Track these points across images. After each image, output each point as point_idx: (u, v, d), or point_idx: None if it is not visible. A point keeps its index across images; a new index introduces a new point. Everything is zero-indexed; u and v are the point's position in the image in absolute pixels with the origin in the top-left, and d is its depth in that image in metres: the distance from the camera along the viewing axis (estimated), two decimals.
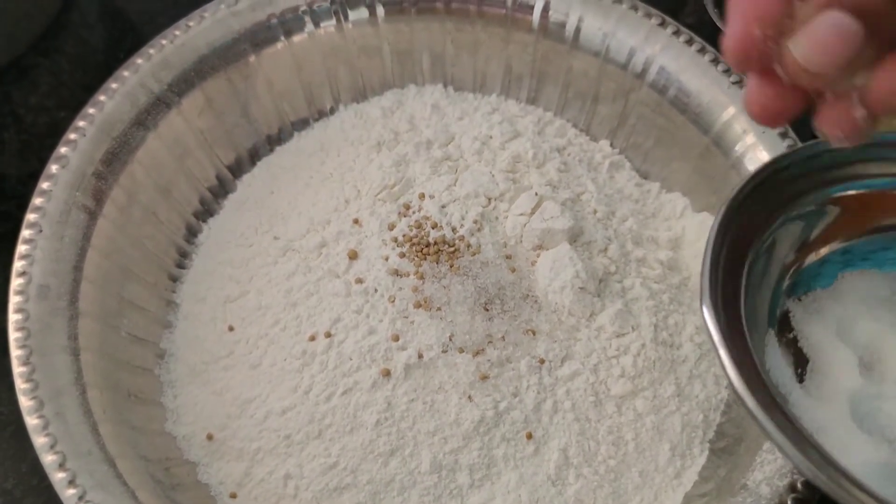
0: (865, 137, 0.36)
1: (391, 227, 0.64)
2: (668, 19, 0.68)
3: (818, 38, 0.32)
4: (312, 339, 0.60)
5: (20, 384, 0.53)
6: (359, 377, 0.59)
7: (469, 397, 0.58)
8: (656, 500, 0.59)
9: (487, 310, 0.61)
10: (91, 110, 0.63)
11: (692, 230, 0.67)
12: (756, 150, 0.64)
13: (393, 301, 0.61)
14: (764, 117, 0.37)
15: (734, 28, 0.34)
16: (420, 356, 0.59)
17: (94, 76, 0.65)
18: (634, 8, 0.68)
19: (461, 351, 0.59)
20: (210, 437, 0.60)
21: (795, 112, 0.36)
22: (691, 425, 0.60)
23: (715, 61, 0.66)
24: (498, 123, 0.70)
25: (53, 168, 0.61)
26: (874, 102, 0.33)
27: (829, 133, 0.35)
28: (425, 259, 0.62)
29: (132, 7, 0.86)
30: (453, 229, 0.64)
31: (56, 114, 0.77)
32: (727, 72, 0.66)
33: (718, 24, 0.74)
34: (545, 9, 0.70)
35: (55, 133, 0.63)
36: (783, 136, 0.63)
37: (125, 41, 0.70)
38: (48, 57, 0.82)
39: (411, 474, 0.57)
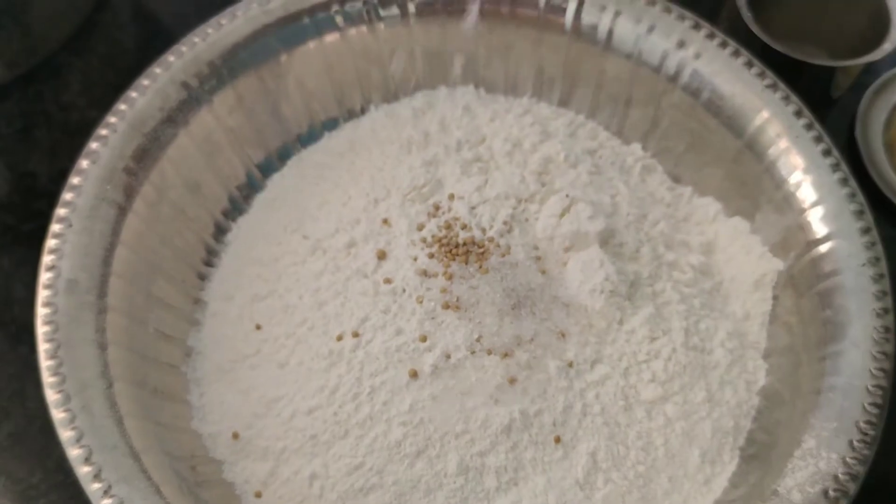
0: None
1: (420, 228, 0.64)
2: (702, 22, 0.67)
3: None
4: (340, 338, 0.60)
5: (47, 377, 0.53)
6: (386, 377, 0.58)
7: (496, 400, 0.58)
8: None
9: (516, 311, 0.60)
10: (122, 106, 0.63)
11: (725, 235, 0.67)
12: (790, 155, 0.63)
13: (421, 301, 0.60)
14: None
15: None
16: (448, 357, 0.58)
17: (126, 76, 0.65)
18: (668, 10, 0.68)
19: (489, 353, 0.59)
20: (236, 436, 0.60)
21: None
22: (722, 431, 0.59)
23: (749, 64, 0.65)
24: (529, 125, 0.69)
25: (84, 163, 0.61)
26: None
27: None
28: (454, 260, 0.62)
29: (164, 9, 0.86)
30: (483, 230, 0.63)
31: (87, 112, 0.77)
32: (761, 75, 0.65)
33: (752, 28, 0.73)
34: (578, 10, 0.69)
35: (86, 131, 0.63)
36: (817, 140, 0.62)
37: (157, 42, 0.70)
38: (80, 57, 0.82)
39: (437, 476, 0.57)
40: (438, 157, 0.67)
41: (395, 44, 0.72)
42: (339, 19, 0.70)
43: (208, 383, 0.62)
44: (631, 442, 0.58)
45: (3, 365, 0.67)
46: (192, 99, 0.65)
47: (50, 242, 0.58)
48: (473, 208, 0.64)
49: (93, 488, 0.50)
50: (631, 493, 0.57)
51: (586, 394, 0.59)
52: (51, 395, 0.53)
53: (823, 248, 0.60)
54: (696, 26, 0.67)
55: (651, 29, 0.68)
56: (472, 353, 0.58)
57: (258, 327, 0.63)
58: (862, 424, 0.53)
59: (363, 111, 0.73)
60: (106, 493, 0.50)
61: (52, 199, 0.60)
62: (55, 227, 0.58)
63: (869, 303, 0.57)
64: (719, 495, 0.58)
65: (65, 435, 0.52)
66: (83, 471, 0.51)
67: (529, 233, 0.64)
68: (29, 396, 0.65)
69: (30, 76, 0.80)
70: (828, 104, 0.78)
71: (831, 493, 0.51)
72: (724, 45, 0.66)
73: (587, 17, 0.69)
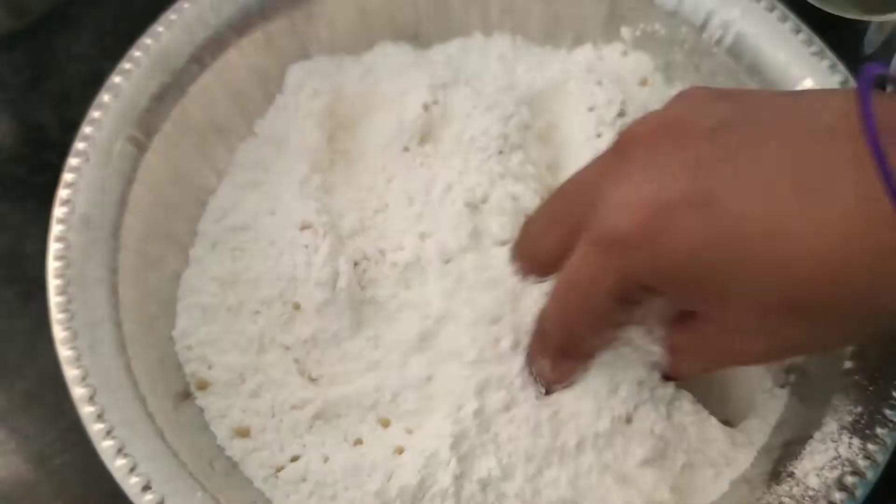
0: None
1: None
2: None
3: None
4: None
5: (55, 314, 0.52)
6: None
7: None
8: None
9: None
10: (148, 41, 0.61)
11: None
12: None
13: None
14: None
15: None
16: None
17: (140, 25, 0.63)
18: None
19: None
20: None
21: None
22: None
23: (796, 30, 0.63)
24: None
25: (105, 97, 0.59)
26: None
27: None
28: None
29: None
30: None
31: (99, 63, 0.75)
32: (807, 42, 0.62)
33: None
34: None
35: (98, 82, 0.61)
36: None
37: None
38: (92, 5, 0.80)
39: None
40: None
41: None
42: None
43: None
44: None
45: (14, 321, 0.67)
46: (219, 38, 0.63)
47: (66, 176, 0.56)
48: None
49: (95, 429, 0.49)
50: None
51: None
52: (58, 333, 0.52)
53: None
54: None
55: None
56: None
57: None
58: (887, 410, 0.51)
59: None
60: (108, 433, 0.49)
61: (62, 151, 0.57)
62: (72, 161, 0.57)
63: None
64: (736, 475, 0.56)
65: (70, 373, 0.51)
66: (86, 410, 0.50)
67: None
68: (41, 354, 0.62)
69: (39, 25, 0.78)
70: (858, 61, 0.75)
71: (849, 478, 0.49)
72: (771, 8, 0.64)
73: None
